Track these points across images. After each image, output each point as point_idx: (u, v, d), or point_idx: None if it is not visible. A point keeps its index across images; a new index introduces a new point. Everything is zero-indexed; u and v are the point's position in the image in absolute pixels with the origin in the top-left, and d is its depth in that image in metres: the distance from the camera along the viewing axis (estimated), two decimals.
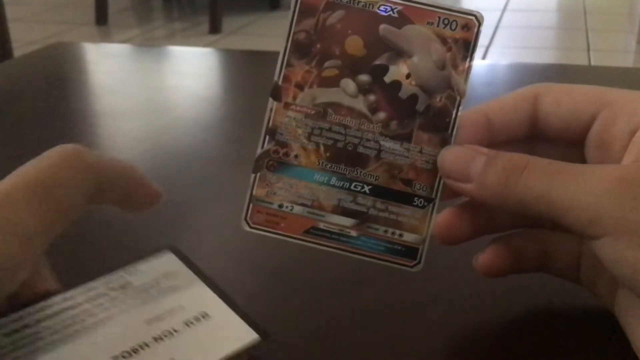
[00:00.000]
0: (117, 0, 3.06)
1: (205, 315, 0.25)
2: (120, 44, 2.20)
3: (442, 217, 0.29)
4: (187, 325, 0.25)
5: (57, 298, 0.26)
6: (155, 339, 0.24)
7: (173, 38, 2.76)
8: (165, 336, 0.25)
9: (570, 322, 0.30)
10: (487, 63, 1.20)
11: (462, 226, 0.29)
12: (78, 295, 0.26)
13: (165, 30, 2.89)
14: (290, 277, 0.34)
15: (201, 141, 0.52)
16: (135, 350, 0.24)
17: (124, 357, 0.24)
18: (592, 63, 2.30)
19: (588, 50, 2.44)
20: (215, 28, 2.71)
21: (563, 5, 3.28)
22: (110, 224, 0.39)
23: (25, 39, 2.30)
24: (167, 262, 0.28)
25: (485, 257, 0.30)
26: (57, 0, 3.22)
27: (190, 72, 0.69)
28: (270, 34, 2.62)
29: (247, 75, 0.68)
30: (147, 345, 0.24)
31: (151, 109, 0.59)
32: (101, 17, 2.85)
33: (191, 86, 0.65)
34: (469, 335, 0.30)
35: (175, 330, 0.25)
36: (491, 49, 2.49)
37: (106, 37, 2.75)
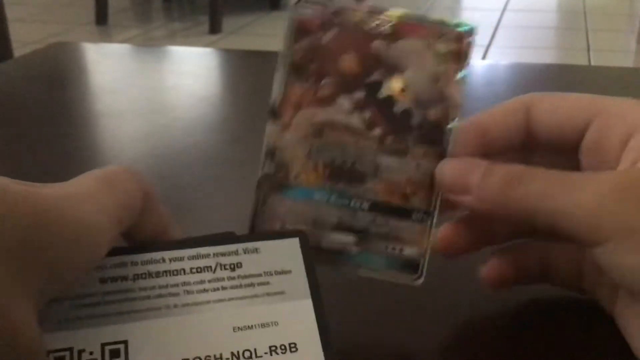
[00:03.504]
0: (117, 0, 3.06)
1: (293, 347, 0.24)
2: (120, 44, 2.20)
3: (443, 231, 0.30)
4: (271, 352, 0.24)
5: (167, 254, 0.25)
6: (232, 356, 0.23)
7: (173, 38, 2.76)
8: (244, 357, 0.23)
9: (573, 334, 0.30)
10: (487, 63, 1.20)
11: (463, 239, 0.30)
12: (186, 259, 0.25)
13: (165, 30, 2.89)
14: None
15: (201, 141, 0.52)
16: None
17: None
18: (592, 63, 2.30)
19: (588, 50, 2.44)
20: (215, 28, 2.71)
21: (563, 5, 3.28)
22: None
23: (25, 39, 2.30)
24: (288, 254, 0.26)
25: (490, 269, 0.30)
26: (57, 0, 3.22)
27: (190, 72, 0.69)
28: (270, 34, 2.62)
29: (247, 75, 0.68)
30: (221, 359, 0.23)
31: (151, 109, 0.59)
32: (101, 17, 2.85)
33: (191, 86, 0.65)
34: (468, 344, 0.30)
35: (257, 355, 0.23)
36: (491, 49, 2.49)
37: (106, 37, 2.75)
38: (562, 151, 0.30)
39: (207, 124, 0.56)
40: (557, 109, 0.30)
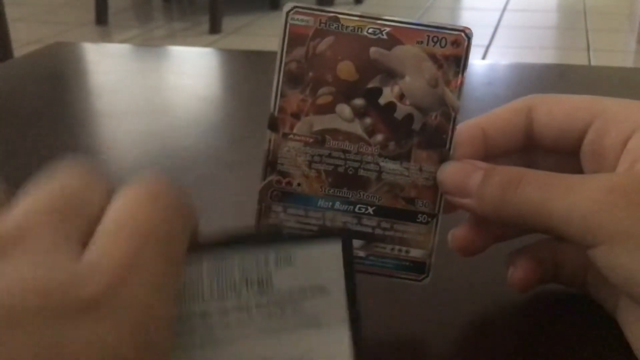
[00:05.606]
0: (117, 0, 3.06)
1: None
2: (120, 44, 2.20)
3: (460, 232, 0.30)
4: None
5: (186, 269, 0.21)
6: None
7: (173, 38, 2.76)
8: None
9: (576, 332, 0.30)
10: (487, 63, 1.20)
11: (478, 238, 0.30)
12: (205, 271, 0.22)
13: (165, 30, 2.89)
14: None
15: (201, 141, 0.52)
16: None
17: None
18: (592, 63, 2.30)
19: (588, 50, 2.45)
20: (215, 28, 2.71)
21: (563, 5, 3.28)
22: None
23: (25, 39, 2.30)
24: (326, 264, 0.23)
25: (518, 272, 0.30)
26: (57, 0, 3.22)
27: (190, 72, 0.69)
28: (270, 33, 2.62)
29: (247, 75, 0.68)
30: None
31: (151, 109, 0.59)
32: (101, 17, 2.85)
33: (191, 86, 0.65)
34: (471, 342, 0.30)
35: None
36: (491, 49, 2.49)
37: (106, 37, 2.75)
38: (565, 153, 0.30)
39: (207, 124, 0.56)
40: (557, 111, 0.30)
